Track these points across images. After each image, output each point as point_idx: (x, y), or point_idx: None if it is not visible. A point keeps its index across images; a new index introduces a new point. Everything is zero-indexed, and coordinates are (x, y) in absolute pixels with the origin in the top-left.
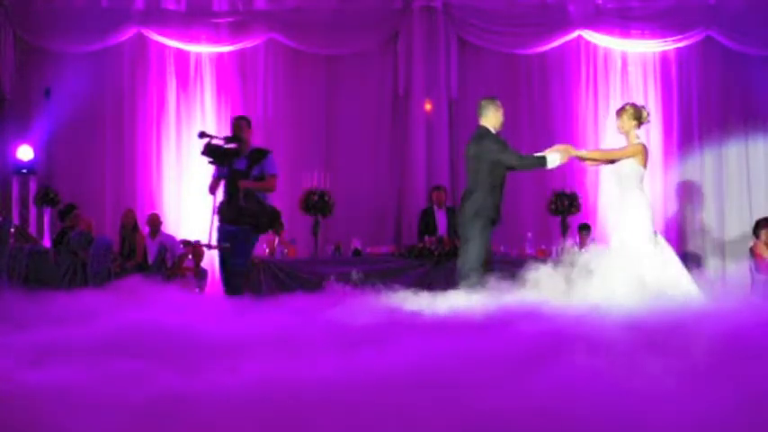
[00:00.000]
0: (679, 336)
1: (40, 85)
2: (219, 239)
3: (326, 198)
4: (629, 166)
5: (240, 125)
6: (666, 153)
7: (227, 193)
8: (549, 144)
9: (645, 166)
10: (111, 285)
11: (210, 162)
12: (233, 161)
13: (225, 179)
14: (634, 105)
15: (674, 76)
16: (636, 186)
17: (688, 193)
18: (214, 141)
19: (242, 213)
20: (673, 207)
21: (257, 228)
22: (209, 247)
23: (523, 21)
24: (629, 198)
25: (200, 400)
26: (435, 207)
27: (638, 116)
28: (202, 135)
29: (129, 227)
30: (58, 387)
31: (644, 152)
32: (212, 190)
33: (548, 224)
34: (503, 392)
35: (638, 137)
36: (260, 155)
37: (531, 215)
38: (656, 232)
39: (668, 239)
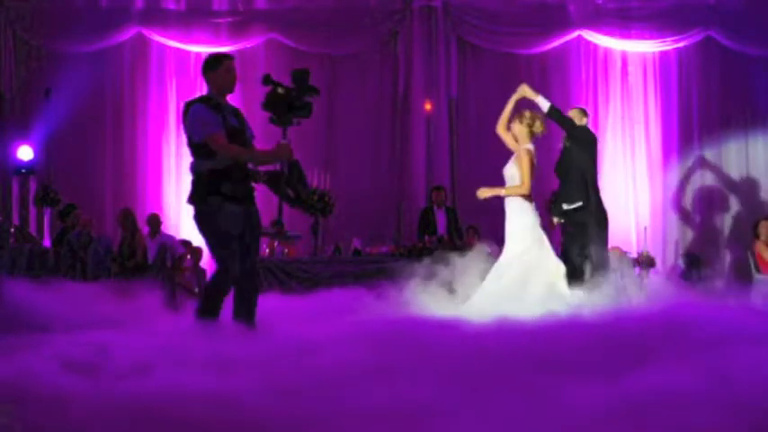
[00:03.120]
0: None
1: (40, 85)
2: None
3: (326, 198)
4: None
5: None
6: (666, 153)
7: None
8: (548, 143)
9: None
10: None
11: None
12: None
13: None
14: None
15: (674, 76)
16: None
17: (688, 193)
18: (281, 90)
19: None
20: (673, 207)
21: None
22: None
23: (523, 21)
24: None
25: None
26: (435, 207)
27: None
28: (267, 81)
29: (126, 225)
30: None
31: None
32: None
33: (547, 224)
34: None
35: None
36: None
37: None
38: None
39: (669, 240)
